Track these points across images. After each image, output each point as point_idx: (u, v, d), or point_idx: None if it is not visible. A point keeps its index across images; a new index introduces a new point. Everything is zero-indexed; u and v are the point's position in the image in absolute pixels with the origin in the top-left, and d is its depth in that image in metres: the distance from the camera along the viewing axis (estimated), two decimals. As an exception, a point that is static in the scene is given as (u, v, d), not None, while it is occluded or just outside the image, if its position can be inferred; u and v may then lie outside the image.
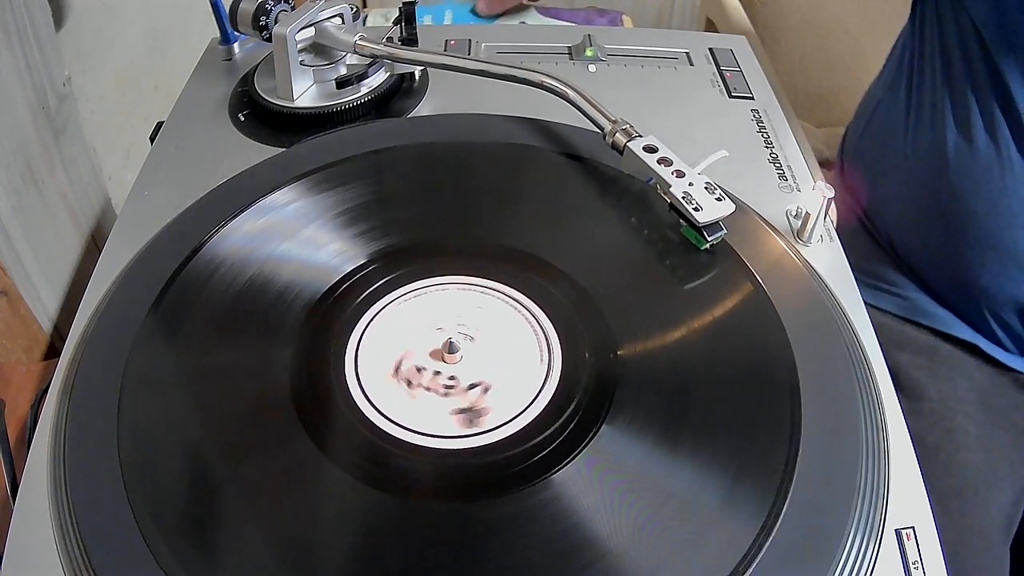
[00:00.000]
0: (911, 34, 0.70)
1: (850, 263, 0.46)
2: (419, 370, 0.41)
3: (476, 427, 0.39)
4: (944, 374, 0.67)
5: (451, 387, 0.40)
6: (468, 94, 0.58)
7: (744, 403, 0.39)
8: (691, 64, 0.63)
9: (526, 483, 0.36)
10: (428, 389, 0.40)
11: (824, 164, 1.01)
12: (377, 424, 0.38)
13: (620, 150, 0.48)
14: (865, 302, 0.44)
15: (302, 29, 0.54)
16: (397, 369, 0.41)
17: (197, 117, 0.57)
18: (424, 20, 0.82)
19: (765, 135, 0.56)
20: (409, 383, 0.40)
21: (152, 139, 0.56)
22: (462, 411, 0.39)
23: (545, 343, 0.42)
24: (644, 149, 0.47)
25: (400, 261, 0.46)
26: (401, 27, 0.58)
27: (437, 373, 0.41)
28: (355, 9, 0.57)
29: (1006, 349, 0.68)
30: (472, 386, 0.40)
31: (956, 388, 0.67)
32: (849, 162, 0.78)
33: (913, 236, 0.69)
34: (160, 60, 0.81)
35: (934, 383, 0.67)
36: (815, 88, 1.05)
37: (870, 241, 0.74)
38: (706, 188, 0.45)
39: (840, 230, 0.49)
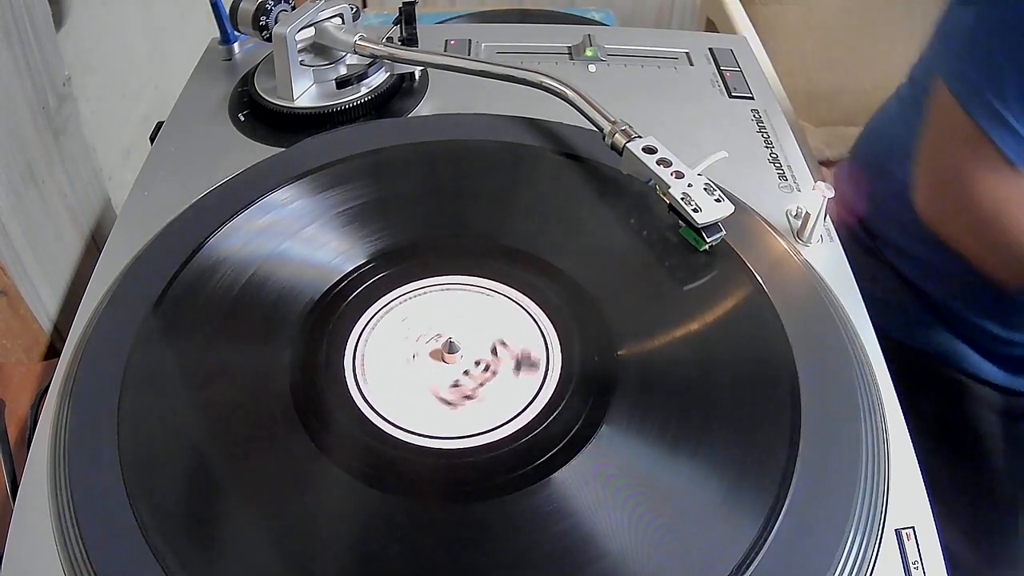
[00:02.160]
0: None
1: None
2: (455, 385, 0.41)
3: (538, 366, 0.41)
4: (969, 410, 0.67)
5: (488, 366, 0.41)
6: (468, 94, 0.58)
7: (744, 403, 0.39)
8: (691, 64, 0.63)
9: (526, 483, 0.36)
10: (482, 385, 0.41)
11: (824, 163, 1.01)
12: (376, 424, 0.38)
13: (619, 151, 0.48)
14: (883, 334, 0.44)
15: (302, 29, 0.54)
16: (448, 402, 0.40)
17: (197, 117, 0.57)
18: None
19: (765, 135, 0.56)
20: (468, 397, 0.40)
21: (152, 139, 0.56)
22: (517, 367, 0.41)
23: (545, 343, 0.42)
24: (643, 150, 0.47)
25: (400, 261, 0.46)
26: (401, 27, 0.58)
27: (466, 372, 0.41)
28: (355, 9, 0.57)
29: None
30: (494, 350, 0.42)
31: (981, 423, 0.66)
32: (857, 164, 0.77)
33: (921, 242, 0.69)
34: (160, 60, 0.81)
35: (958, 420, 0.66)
36: (815, 88, 1.05)
37: (874, 262, 0.72)
38: (705, 189, 0.45)
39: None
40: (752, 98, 0.60)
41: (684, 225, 0.46)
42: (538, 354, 0.41)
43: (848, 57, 1.03)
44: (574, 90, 0.51)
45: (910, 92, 0.68)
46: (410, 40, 0.58)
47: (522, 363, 0.41)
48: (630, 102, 0.57)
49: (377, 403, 0.39)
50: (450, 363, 0.41)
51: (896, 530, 0.35)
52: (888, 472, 0.37)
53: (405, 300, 0.44)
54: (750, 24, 0.92)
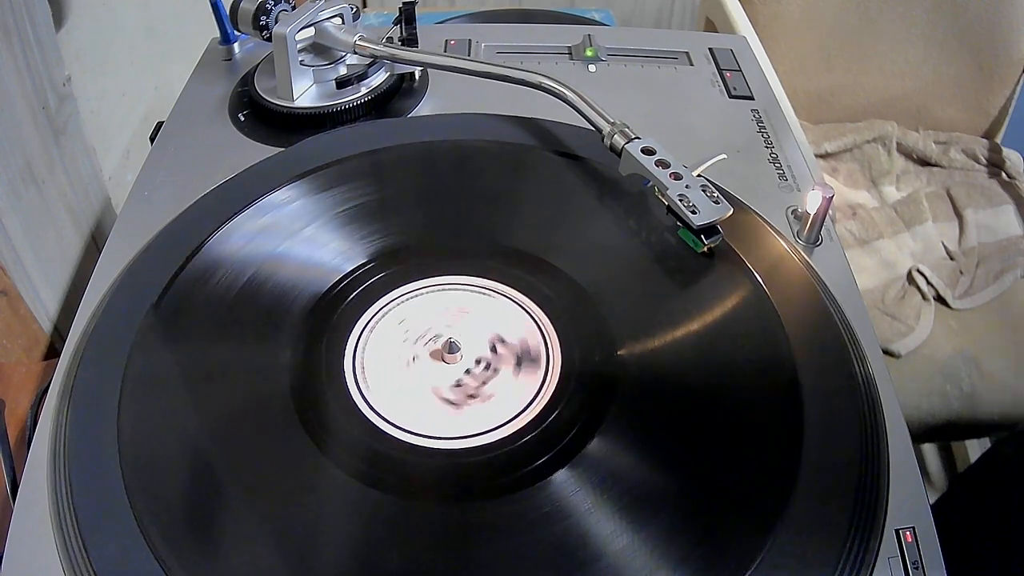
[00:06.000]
0: None
1: None
2: (458, 384, 0.41)
3: (539, 360, 0.41)
4: None
5: (490, 364, 0.41)
6: (468, 94, 0.58)
7: (744, 403, 0.39)
8: (691, 64, 0.63)
9: (525, 483, 0.36)
10: (484, 383, 0.41)
11: (822, 156, 1.01)
12: (376, 424, 0.38)
13: (618, 152, 0.48)
14: None
15: (302, 29, 0.54)
16: (451, 402, 0.40)
17: (197, 117, 0.57)
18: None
19: (765, 135, 0.56)
20: (472, 396, 0.40)
21: (152, 139, 0.56)
22: (518, 364, 0.41)
23: (545, 343, 0.42)
24: (642, 151, 0.47)
25: (400, 261, 0.46)
26: (401, 27, 0.58)
27: (468, 371, 0.41)
28: (355, 9, 0.57)
29: None
30: (493, 348, 0.42)
31: None
32: None
33: None
34: (160, 60, 0.81)
35: None
36: (815, 88, 1.04)
37: None
38: (703, 190, 0.45)
39: None
40: (752, 98, 0.60)
41: (683, 226, 0.46)
42: (537, 349, 0.42)
43: (848, 57, 1.03)
44: (573, 91, 0.51)
45: None
46: (410, 40, 0.58)
47: (523, 359, 0.41)
48: (630, 102, 0.57)
49: (377, 403, 0.39)
50: (450, 363, 0.41)
51: (896, 530, 0.35)
52: (888, 472, 0.37)
53: (405, 300, 0.44)
54: (750, 24, 0.92)
